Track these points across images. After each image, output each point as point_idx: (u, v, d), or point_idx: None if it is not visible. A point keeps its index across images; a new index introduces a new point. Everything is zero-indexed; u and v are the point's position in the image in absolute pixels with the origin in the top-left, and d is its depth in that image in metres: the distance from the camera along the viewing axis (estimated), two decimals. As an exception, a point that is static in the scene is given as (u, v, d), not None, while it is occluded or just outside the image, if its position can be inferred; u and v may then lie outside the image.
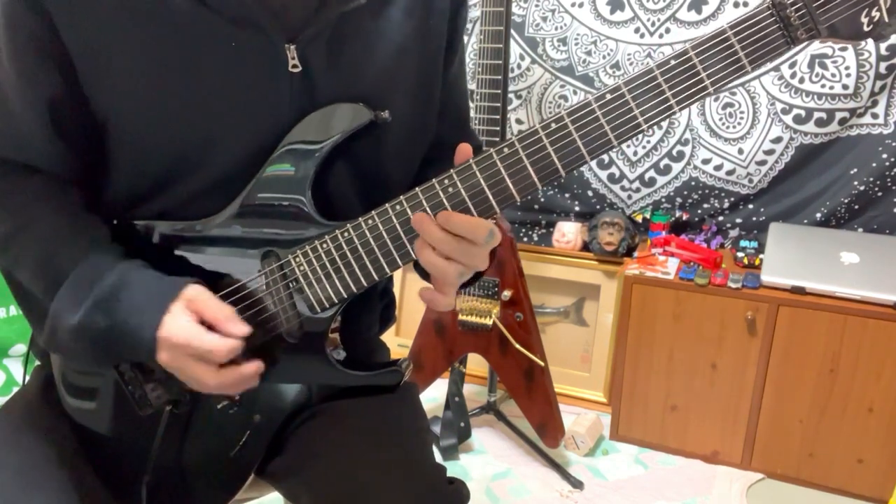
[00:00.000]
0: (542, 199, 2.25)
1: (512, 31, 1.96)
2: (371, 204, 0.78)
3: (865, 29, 0.67)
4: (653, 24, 2.00)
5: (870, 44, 1.82)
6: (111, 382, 0.84)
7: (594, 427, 2.00)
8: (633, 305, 1.92)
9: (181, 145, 0.78)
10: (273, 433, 0.91)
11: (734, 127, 2.00)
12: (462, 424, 1.97)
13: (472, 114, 1.72)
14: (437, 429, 1.96)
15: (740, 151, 2.01)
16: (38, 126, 0.77)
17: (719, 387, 1.89)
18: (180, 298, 0.75)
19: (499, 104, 1.70)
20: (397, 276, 2.34)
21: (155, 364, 0.76)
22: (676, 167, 2.10)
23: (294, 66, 0.78)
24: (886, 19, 0.66)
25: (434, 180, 0.76)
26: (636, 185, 2.16)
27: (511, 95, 2.16)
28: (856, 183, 1.89)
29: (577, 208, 2.23)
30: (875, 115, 1.86)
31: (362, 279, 0.79)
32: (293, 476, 0.91)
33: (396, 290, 1.98)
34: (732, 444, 1.92)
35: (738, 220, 2.07)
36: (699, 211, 2.11)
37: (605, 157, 2.16)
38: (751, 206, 2.05)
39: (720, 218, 2.10)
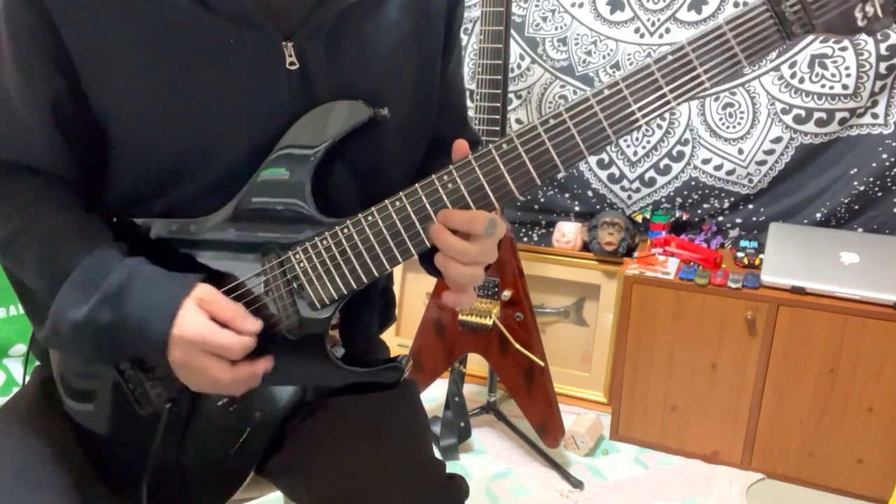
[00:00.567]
0: (542, 199, 2.26)
1: (512, 31, 1.96)
2: (370, 201, 0.79)
3: (860, 24, 0.67)
4: (653, 25, 2.00)
5: (870, 44, 1.82)
6: (111, 382, 0.84)
7: (594, 427, 2.00)
8: (633, 305, 1.92)
9: (181, 144, 0.79)
10: (273, 430, 0.91)
11: (734, 127, 2.00)
12: (462, 424, 1.97)
13: (472, 114, 1.72)
14: (437, 429, 1.96)
15: (740, 151, 2.01)
16: (40, 127, 0.78)
17: (719, 387, 1.89)
18: (191, 296, 0.75)
19: (499, 104, 1.70)
20: (397, 275, 2.35)
21: (161, 362, 0.76)
22: (676, 167, 2.10)
23: (291, 63, 0.78)
24: (880, 14, 0.66)
25: (433, 176, 0.76)
26: (636, 185, 2.16)
27: (511, 95, 2.17)
28: (856, 183, 1.89)
29: (577, 208, 2.23)
30: (875, 116, 1.86)
31: (362, 276, 0.80)
32: (293, 473, 0.91)
33: (396, 289, 1.98)
34: (732, 444, 1.92)
35: (738, 220, 2.07)
36: (699, 211, 2.11)
37: (605, 157, 2.16)
38: (751, 206, 2.05)
39: (720, 218, 2.10)
